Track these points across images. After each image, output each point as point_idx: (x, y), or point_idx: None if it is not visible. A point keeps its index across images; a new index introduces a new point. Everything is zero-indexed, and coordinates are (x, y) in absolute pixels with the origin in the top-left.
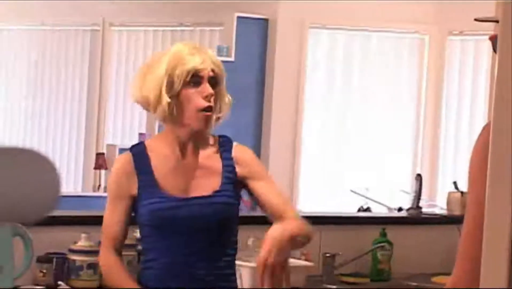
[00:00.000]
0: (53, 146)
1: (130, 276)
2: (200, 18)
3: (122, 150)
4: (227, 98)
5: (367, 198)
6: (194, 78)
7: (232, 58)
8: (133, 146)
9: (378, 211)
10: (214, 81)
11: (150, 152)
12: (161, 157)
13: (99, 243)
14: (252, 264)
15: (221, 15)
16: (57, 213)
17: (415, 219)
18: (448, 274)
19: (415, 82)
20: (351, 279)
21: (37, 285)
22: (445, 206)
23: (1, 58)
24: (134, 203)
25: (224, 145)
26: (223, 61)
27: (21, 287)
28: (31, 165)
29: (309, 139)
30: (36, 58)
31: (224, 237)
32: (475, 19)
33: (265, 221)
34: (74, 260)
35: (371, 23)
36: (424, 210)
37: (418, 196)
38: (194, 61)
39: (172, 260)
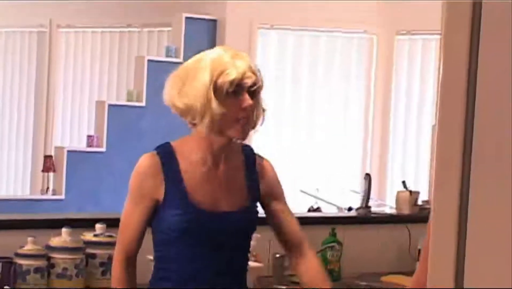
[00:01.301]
0: (0, 149)
1: None
2: (148, 19)
3: (70, 152)
4: (263, 107)
5: (317, 198)
6: (236, 88)
7: (180, 59)
8: (159, 147)
9: (328, 211)
10: (253, 91)
11: (179, 156)
12: (191, 163)
13: (52, 248)
14: None
15: (169, 16)
16: (3, 216)
17: (364, 218)
18: (398, 273)
19: (364, 82)
20: (295, 281)
21: None
22: (394, 205)
23: None
24: (157, 207)
25: (249, 157)
26: (172, 62)
27: None
28: None
29: (258, 140)
30: None
31: (246, 252)
32: None
33: None
34: (21, 265)
35: (320, 23)
36: (373, 209)
37: (367, 195)
38: (237, 71)
39: (194, 272)
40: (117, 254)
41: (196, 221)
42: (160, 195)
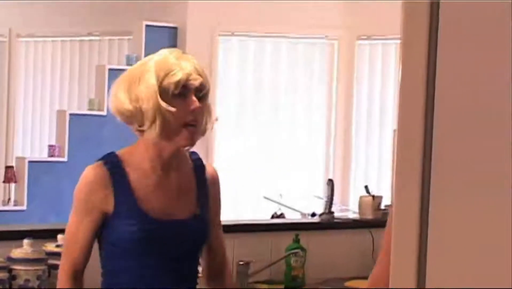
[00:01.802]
0: None
1: None
2: (108, 27)
3: (31, 162)
4: (213, 111)
5: (280, 204)
6: (182, 90)
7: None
8: (104, 158)
9: (292, 217)
10: (200, 93)
11: (127, 167)
12: (140, 172)
13: (14, 260)
14: None
15: (129, 24)
16: None
17: (327, 224)
18: (362, 277)
19: (326, 88)
20: (265, 286)
21: None
22: (357, 210)
23: None
24: (106, 219)
25: (198, 164)
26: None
27: None
28: None
29: (221, 146)
30: None
31: (197, 262)
32: None
33: None
34: None
35: (281, 28)
36: (336, 214)
37: (330, 200)
38: (183, 72)
39: (144, 285)
40: (64, 268)
41: (148, 231)
42: (110, 207)
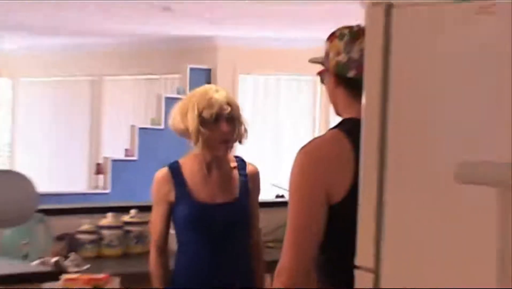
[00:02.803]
0: (69, 162)
1: (162, 276)
2: (165, 69)
3: (113, 160)
4: (244, 127)
5: (284, 189)
6: (216, 117)
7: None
8: (169, 164)
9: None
10: (231, 118)
11: (183, 170)
12: (192, 173)
13: (101, 227)
14: None
15: (178, 66)
16: (68, 205)
17: None
18: None
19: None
20: (272, 244)
21: (56, 256)
22: None
23: None
24: (171, 208)
25: (240, 163)
26: (181, 98)
27: (45, 258)
28: (11, 183)
29: (245, 150)
30: None
31: (242, 238)
32: (309, 60)
33: None
34: (80, 238)
35: (280, 69)
36: None
37: None
38: (217, 104)
39: (203, 255)
40: (151, 246)
41: (195, 213)
42: (172, 198)
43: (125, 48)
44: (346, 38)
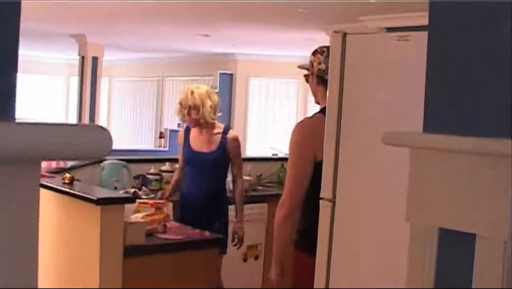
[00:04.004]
0: (142, 129)
1: None
2: (202, 72)
3: (170, 130)
4: (207, 109)
5: (279, 150)
6: (185, 107)
7: (217, 90)
8: (185, 127)
9: (281, 156)
10: (195, 106)
11: (191, 131)
12: (193, 132)
13: (162, 171)
14: None
15: (211, 71)
16: (142, 157)
17: None
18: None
19: (294, 105)
20: (269, 184)
21: (133, 188)
22: None
23: None
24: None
25: (225, 131)
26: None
27: (127, 189)
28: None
29: (252, 124)
30: None
31: (216, 174)
32: (298, 66)
33: None
34: (149, 177)
35: (276, 74)
36: None
37: None
38: (184, 102)
39: (193, 179)
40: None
41: (190, 156)
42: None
43: (179, 59)
44: (324, 53)
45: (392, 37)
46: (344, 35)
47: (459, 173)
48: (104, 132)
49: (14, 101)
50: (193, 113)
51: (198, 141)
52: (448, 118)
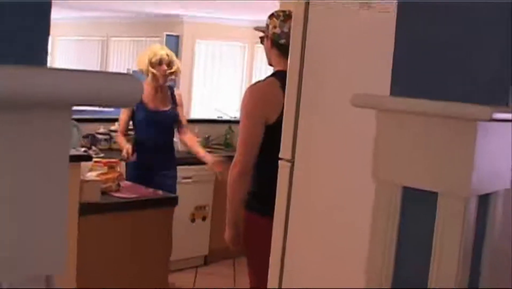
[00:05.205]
0: None
1: None
2: (148, 33)
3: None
4: (176, 67)
5: (225, 113)
6: (160, 61)
7: None
8: None
9: (227, 118)
10: (168, 62)
11: (144, 97)
12: (146, 92)
13: (111, 130)
14: None
15: (157, 32)
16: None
17: None
18: None
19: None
20: (217, 146)
21: (82, 147)
22: None
23: None
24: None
25: (172, 91)
26: None
27: (76, 148)
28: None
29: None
30: None
31: (172, 131)
32: (254, 28)
33: None
34: (98, 137)
35: (223, 38)
36: None
37: None
38: (160, 54)
39: (148, 137)
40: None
41: (147, 115)
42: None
43: (124, 20)
44: (281, 18)
45: (353, 5)
46: (307, 4)
47: (423, 135)
48: (134, 81)
49: (46, 51)
50: (168, 70)
51: (156, 100)
52: (414, 83)
